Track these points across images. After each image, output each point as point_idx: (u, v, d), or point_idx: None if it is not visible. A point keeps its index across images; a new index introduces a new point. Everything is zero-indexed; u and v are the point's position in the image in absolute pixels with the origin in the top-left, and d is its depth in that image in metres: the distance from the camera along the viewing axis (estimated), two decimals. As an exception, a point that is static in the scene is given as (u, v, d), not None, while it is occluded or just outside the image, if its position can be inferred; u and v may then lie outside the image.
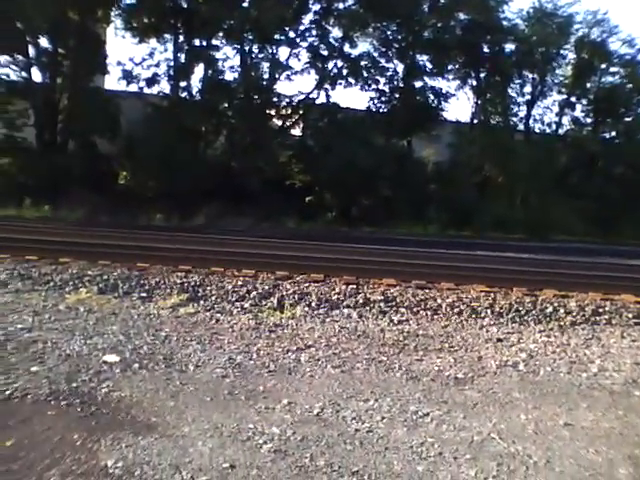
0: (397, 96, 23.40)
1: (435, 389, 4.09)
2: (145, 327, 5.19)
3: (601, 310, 6.83)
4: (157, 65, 20.97)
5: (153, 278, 7.06)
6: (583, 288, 7.70)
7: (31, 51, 19.48)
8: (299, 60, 22.24)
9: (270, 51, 21.94)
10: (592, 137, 25.44)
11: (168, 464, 2.82)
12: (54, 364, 4.06)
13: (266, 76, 21.92)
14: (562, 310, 6.74)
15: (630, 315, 6.70)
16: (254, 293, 6.68)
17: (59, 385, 3.69)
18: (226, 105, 21.72)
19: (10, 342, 4.47)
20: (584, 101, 25.65)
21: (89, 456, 2.85)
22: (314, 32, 22.06)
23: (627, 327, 6.34)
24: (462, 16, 23.43)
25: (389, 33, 23.06)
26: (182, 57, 21.28)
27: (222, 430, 3.23)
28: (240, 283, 7.08)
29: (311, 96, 22.58)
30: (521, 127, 25.29)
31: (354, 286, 7.30)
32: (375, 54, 23.05)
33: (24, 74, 19.52)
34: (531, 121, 25.30)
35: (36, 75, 19.84)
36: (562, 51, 24.69)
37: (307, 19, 22.02)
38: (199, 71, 21.55)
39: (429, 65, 23.78)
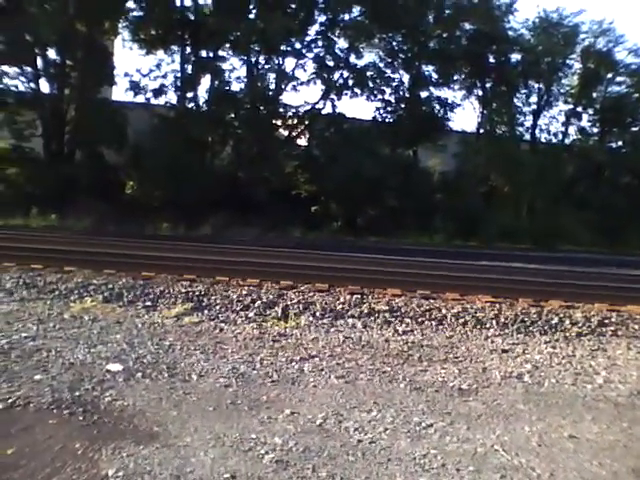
0: (403, 106, 23.47)
1: (439, 400, 4.07)
2: (149, 336, 5.19)
3: (607, 321, 6.78)
4: (164, 76, 21.17)
5: (158, 287, 7.09)
6: (589, 299, 7.66)
7: (39, 62, 19.67)
8: (305, 71, 22.38)
9: (276, 62, 22.10)
10: (598, 147, 25.37)
11: (169, 474, 2.81)
12: (57, 373, 4.07)
13: (272, 87, 22.05)
14: (568, 321, 6.70)
15: (636, 326, 6.66)
16: (258, 302, 6.68)
17: (62, 394, 3.69)
18: (232, 116, 21.84)
19: (14, 350, 4.49)
20: (590, 111, 25.62)
21: (90, 465, 2.85)
22: (320, 43, 22.18)
23: (633, 338, 6.29)
24: (467, 26, 23.54)
25: (395, 44, 23.16)
26: (189, 68, 21.44)
27: (224, 440, 3.22)
28: (245, 292, 7.09)
29: (317, 106, 22.68)
30: (527, 137, 25.24)
31: (359, 296, 7.29)
32: (381, 64, 23.17)
33: (32, 85, 19.71)
34: (537, 131, 25.30)
35: (44, 86, 20.06)
36: (568, 61, 24.70)
37: (313, 30, 22.19)
38: (206, 82, 21.75)
39: (435, 75, 23.86)
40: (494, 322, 6.52)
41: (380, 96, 23.16)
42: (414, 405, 3.93)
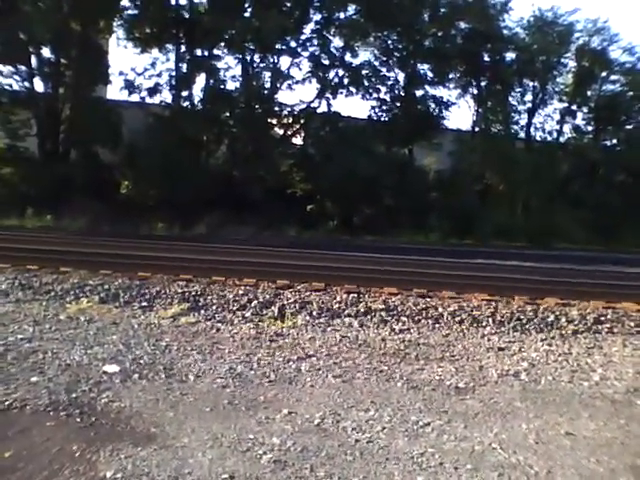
0: (398, 105, 23.49)
1: (436, 399, 4.07)
2: (146, 337, 5.18)
3: (603, 318, 6.80)
4: (159, 75, 21.12)
5: (154, 287, 7.07)
6: (585, 296, 7.68)
7: (34, 61, 19.59)
8: (300, 69, 22.38)
9: (271, 61, 22.09)
10: (593, 145, 25.48)
11: (167, 475, 2.81)
12: (54, 374, 4.06)
13: (267, 85, 22.06)
14: (564, 319, 6.72)
15: (632, 323, 6.68)
16: (255, 302, 6.67)
17: (59, 395, 3.68)
18: (228, 114, 21.80)
19: (10, 352, 4.47)
20: (585, 109, 25.72)
21: (88, 467, 2.84)
22: (315, 42, 22.18)
23: (629, 335, 6.32)
24: (463, 25, 23.58)
25: (390, 42, 23.18)
26: (184, 67, 21.39)
27: (222, 441, 3.21)
28: (241, 292, 7.08)
29: (312, 105, 22.69)
30: (522, 135, 25.32)
31: (355, 295, 7.29)
32: (376, 63, 23.19)
33: (27, 84, 19.62)
34: (532, 129, 25.37)
35: (38, 85, 19.99)
36: (563, 59, 24.80)
37: (308, 29, 22.19)
38: (201, 81, 21.71)
39: (430, 74, 23.90)
40: (490, 320, 6.53)
41: (375, 95, 23.21)
42: (411, 404, 3.93)
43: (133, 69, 20.97)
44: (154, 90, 20.96)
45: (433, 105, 23.99)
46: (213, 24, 19.67)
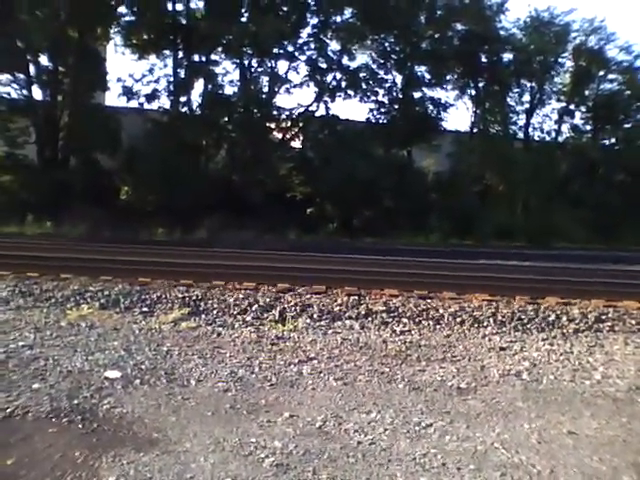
0: (396, 107, 23.52)
1: (438, 399, 4.07)
2: (147, 342, 5.18)
3: (604, 317, 6.80)
4: (157, 81, 21.16)
5: (154, 293, 7.07)
6: (586, 295, 7.68)
7: (32, 69, 19.66)
8: (298, 73, 22.46)
9: (269, 65, 22.13)
10: (592, 144, 25.52)
11: (170, 480, 2.80)
12: (55, 381, 4.05)
13: (265, 90, 22.08)
14: (565, 318, 6.72)
15: (633, 322, 6.67)
16: (255, 306, 6.67)
17: (60, 402, 3.68)
18: (226, 119, 21.83)
19: (11, 359, 4.47)
20: (583, 108, 25.76)
21: (90, 473, 2.84)
22: (312, 45, 22.22)
23: (630, 334, 6.31)
24: (459, 27, 23.63)
25: (387, 45, 23.22)
26: (182, 72, 21.43)
27: (224, 445, 3.21)
28: (242, 296, 7.08)
29: (310, 109, 22.71)
30: (520, 135, 25.36)
31: (356, 297, 7.29)
32: (373, 66, 23.24)
33: (25, 92, 19.67)
34: (530, 129, 25.44)
35: (37, 93, 20.05)
36: (560, 59, 24.87)
37: (305, 33, 22.24)
38: (199, 86, 21.76)
39: (427, 76, 23.93)
40: (491, 320, 6.53)
41: (373, 97, 23.25)
42: (413, 405, 3.93)
43: (131, 75, 21.03)
44: (152, 96, 21.01)
45: (431, 107, 24.04)
46: (210, 29, 19.72)
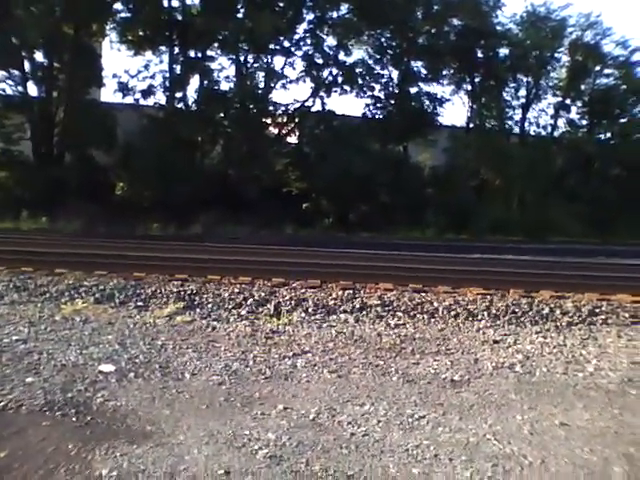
0: (392, 102, 23.53)
1: (431, 392, 4.09)
2: (141, 336, 5.18)
3: (598, 310, 6.82)
4: (152, 77, 21.15)
5: (149, 287, 7.07)
6: (580, 289, 7.70)
7: (27, 66, 19.65)
8: (294, 69, 22.45)
9: (265, 61, 22.14)
10: (588, 139, 25.54)
11: (163, 472, 2.80)
12: (49, 375, 4.05)
13: (262, 85, 22.06)
14: (558, 311, 6.74)
15: (627, 314, 6.70)
16: (251, 300, 6.68)
17: (54, 395, 3.68)
18: (222, 115, 21.83)
19: (5, 353, 4.47)
20: (579, 103, 25.80)
21: (84, 466, 2.84)
22: (309, 41, 22.24)
23: (624, 326, 6.33)
24: (456, 22, 23.64)
25: (383, 40, 23.24)
26: (177, 68, 21.43)
27: (217, 437, 3.21)
28: (237, 290, 7.09)
29: (307, 104, 22.72)
30: (516, 130, 25.41)
31: (351, 291, 7.31)
32: (370, 61, 23.27)
33: (20, 88, 19.66)
34: (526, 124, 25.49)
35: (32, 89, 20.01)
36: (556, 54, 24.89)
37: (301, 28, 22.25)
38: (195, 82, 21.76)
39: (424, 71, 23.98)
40: (485, 314, 6.54)
41: (369, 92, 23.28)
42: (407, 397, 3.94)
43: (127, 71, 21.04)
44: (148, 92, 21.00)
45: (427, 102, 24.08)
46: (206, 25, 19.68)
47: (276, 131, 22.88)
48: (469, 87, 24.99)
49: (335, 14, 22.24)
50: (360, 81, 22.85)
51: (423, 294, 7.35)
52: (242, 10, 21.28)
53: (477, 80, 24.82)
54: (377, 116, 23.51)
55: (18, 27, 18.06)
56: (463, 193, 21.71)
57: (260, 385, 4.08)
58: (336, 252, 11.27)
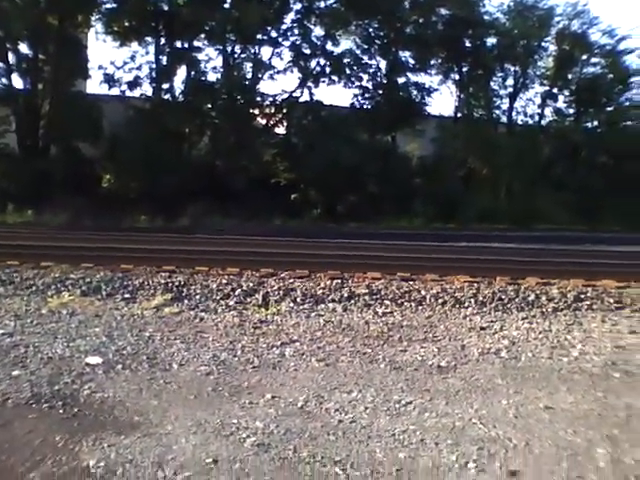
0: (380, 92, 23.47)
1: (418, 378, 4.12)
2: (129, 328, 5.17)
3: (583, 296, 6.91)
4: (139, 68, 20.93)
5: (137, 279, 7.04)
6: (565, 275, 7.78)
7: (11, 57, 19.38)
8: (282, 59, 22.32)
9: (252, 51, 21.95)
10: (575, 127, 25.63)
11: (151, 462, 2.80)
12: (36, 368, 4.04)
13: (249, 76, 21.92)
14: (544, 297, 6.81)
15: (611, 300, 6.79)
16: (239, 291, 6.68)
17: (41, 388, 3.66)
18: (209, 106, 21.67)
19: (-9, 347, 4.44)
20: (566, 92, 25.85)
21: (71, 457, 2.83)
22: (296, 31, 22.07)
23: (608, 312, 6.43)
24: (443, 11, 23.56)
25: (371, 30, 23.11)
26: (164, 59, 21.20)
27: (205, 426, 3.22)
28: (225, 281, 7.08)
29: (294, 95, 22.58)
30: (504, 119, 25.43)
31: (339, 280, 7.32)
32: (357, 51, 23.15)
33: (4, 81, 19.42)
34: (514, 113, 25.48)
35: (17, 81, 19.75)
36: (543, 43, 24.91)
37: (289, 18, 22.07)
38: (181, 73, 21.53)
39: (412, 61, 23.88)
40: (472, 301, 6.60)
41: (357, 83, 23.19)
42: (394, 384, 3.97)
43: (112, 63, 20.77)
44: (134, 83, 20.80)
45: (415, 92, 24.00)
46: (193, 16, 19.50)
47: (264, 122, 22.74)
48: (457, 77, 24.97)
49: (322, 4, 22.10)
50: (348, 71, 22.76)
51: (411, 282, 7.39)
52: (229, 0, 21.10)
53: (465, 70, 24.80)
54: (365, 106, 23.44)
55: (2, 18, 17.84)
56: (451, 183, 21.77)
57: (248, 374, 4.09)
58: (324, 242, 11.29)
